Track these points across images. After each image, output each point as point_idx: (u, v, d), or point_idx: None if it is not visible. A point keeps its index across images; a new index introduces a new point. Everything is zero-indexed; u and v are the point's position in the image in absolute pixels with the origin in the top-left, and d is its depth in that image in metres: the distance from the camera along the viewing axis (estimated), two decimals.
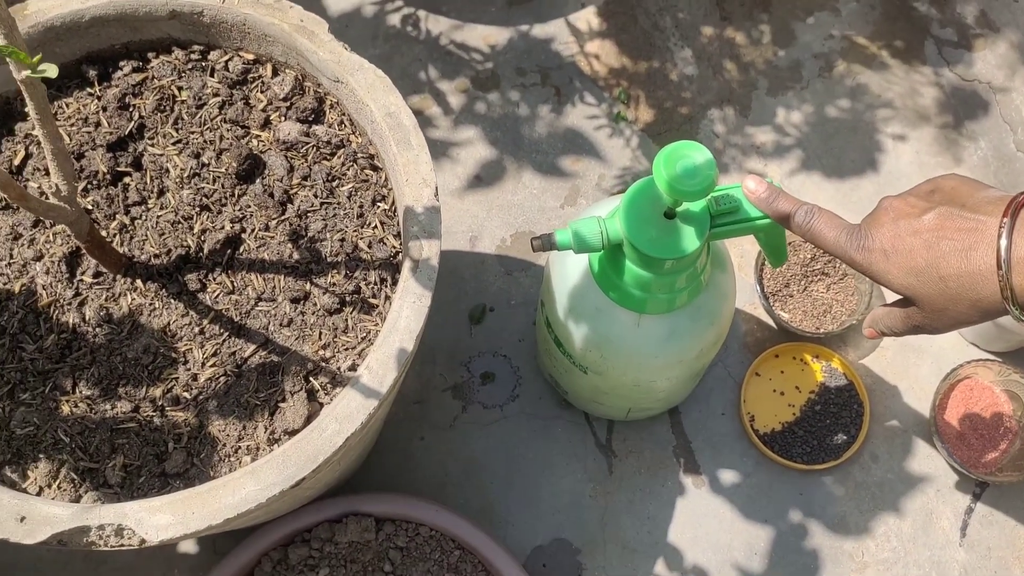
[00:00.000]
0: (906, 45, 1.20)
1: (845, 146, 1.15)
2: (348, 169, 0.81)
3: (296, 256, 0.78)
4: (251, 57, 0.84)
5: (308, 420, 0.72)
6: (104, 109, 0.81)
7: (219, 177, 0.80)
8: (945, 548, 0.99)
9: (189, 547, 0.97)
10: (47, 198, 0.65)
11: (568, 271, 0.81)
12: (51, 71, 0.56)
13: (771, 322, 1.07)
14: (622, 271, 0.74)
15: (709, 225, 0.70)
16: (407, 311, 0.71)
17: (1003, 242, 0.53)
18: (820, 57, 1.20)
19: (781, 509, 1.00)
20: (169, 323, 0.75)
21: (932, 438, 1.01)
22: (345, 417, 0.68)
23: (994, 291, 0.55)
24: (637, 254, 0.70)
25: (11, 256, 0.77)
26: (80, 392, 0.73)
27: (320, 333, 0.76)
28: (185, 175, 0.80)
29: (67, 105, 0.81)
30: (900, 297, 0.62)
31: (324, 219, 0.79)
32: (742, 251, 1.10)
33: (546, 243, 0.71)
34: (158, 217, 0.78)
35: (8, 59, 0.56)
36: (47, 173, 0.79)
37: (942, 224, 0.57)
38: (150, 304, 0.76)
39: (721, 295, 0.81)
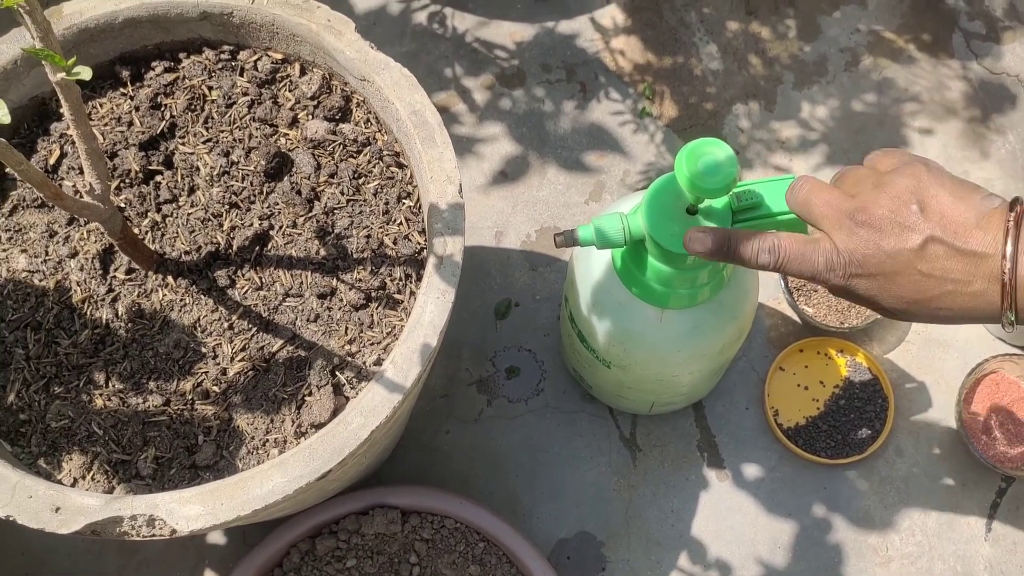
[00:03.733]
0: (933, 38, 1.20)
1: (871, 141, 1.14)
2: (374, 167, 0.82)
3: (323, 253, 0.79)
4: (279, 57, 0.85)
5: (334, 414, 0.73)
6: (136, 109, 0.83)
7: (248, 175, 0.81)
8: (970, 543, 0.99)
9: (219, 538, 0.99)
10: (81, 197, 0.67)
11: (591, 266, 0.81)
12: (85, 74, 0.57)
13: (795, 317, 1.07)
14: (644, 266, 0.74)
15: (731, 221, 0.70)
16: (431, 306, 0.72)
17: (1007, 277, 0.52)
18: (846, 51, 1.19)
19: (805, 503, 1.00)
20: (199, 318, 0.77)
21: (958, 433, 1.01)
22: (370, 411, 0.69)
23: (993, 310, 0.55)
24: (659, 250, 0.71)
25: (47, 253, 0.78)
26: (113, 386, 0.75)
27: (346, 328, 0.77)
28: (215, 173, 0.81)
29: (100, 105, 0.83)
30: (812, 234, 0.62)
31: (350, 216, 0.80)
32: None
33: (568, 239, 0.72)
34: (188, 215, 0.80)
35: (44, 62, 0.57)
36: (81, 172, 0.81)
37: (934, 267, 0.55)
38: (180, 300, 0.77)
39: (743, 290, 0.82)
